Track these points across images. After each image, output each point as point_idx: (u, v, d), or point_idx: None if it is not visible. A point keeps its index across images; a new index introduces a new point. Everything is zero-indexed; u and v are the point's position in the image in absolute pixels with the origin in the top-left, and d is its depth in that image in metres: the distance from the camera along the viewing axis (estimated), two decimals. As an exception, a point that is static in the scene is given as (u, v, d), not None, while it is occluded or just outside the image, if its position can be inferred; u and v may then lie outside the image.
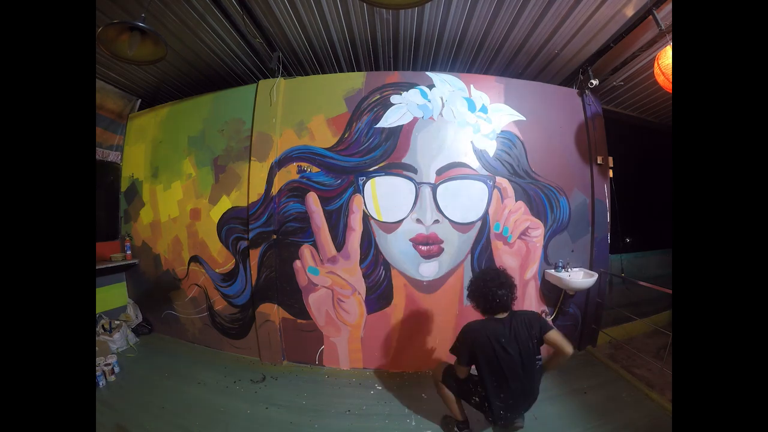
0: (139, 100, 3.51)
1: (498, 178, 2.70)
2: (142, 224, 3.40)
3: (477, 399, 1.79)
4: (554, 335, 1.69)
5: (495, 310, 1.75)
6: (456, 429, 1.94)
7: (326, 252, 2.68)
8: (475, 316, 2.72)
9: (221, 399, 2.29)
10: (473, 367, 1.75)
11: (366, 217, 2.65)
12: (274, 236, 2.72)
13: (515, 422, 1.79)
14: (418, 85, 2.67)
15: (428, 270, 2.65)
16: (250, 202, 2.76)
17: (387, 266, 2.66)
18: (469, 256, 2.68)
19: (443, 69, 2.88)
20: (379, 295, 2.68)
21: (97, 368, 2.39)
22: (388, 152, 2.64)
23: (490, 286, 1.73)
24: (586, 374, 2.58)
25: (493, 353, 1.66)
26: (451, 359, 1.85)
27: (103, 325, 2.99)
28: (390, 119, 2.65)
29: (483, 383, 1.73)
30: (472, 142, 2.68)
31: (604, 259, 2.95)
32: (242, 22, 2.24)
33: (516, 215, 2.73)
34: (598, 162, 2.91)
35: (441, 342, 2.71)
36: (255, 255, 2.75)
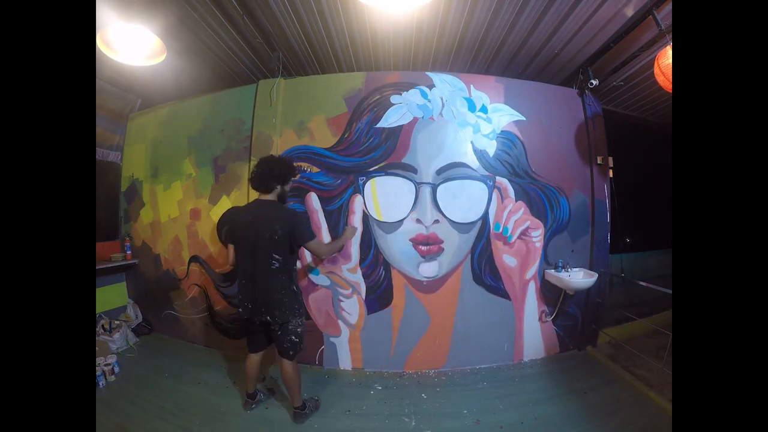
0: (139, 100, 3.51)
1: (498, 178, 2.70)
2: (142, 224, 3.40)
3: (240, 295, 1.95)
4: (312, 246, 1.93)
5: (254, 187, 1.98)
6: (298, 419, 2.06)
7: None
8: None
9: (221, 399, 2.28)
10: None
11: (366, 217, 2.65)
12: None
13: (255, 316, 1.91)
14: (418, 85, 2.67)
15: (428, 270, 2.65)
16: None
17: (387, 266, 2.66)
18: (469, 256, 2.68)
19: (443, 69, 2.88)
20: (379, 295, 2.68)
21: (97, 368, 2.39)
22: (388, 152, 2.64)
23: (259, 163, 1.96)
24: (586, 374, 2.58)
25: (234, 228, 1.96)
26: None
27: (103, 325, 2.99)
28: (390, 119, 2.65)
29: (236, 259, 1.99)
30: (472, 142, 2.68)
31: (604, 259, 2.95)
32: (242, 22, 2.24)
33: (516, 215, 2.73)
34: (598, 162, 2.91)
35: (441, 342, 2.71)
36: (255, 255, 2.74)
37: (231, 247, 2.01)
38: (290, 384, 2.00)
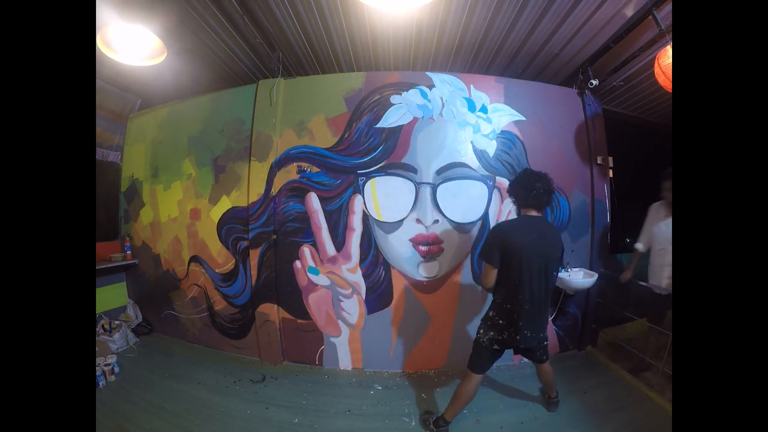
0: (139, 100, 3.51)
1: (498, 178, 2.70)
2: (142, 224, 3.40)
3: (501, 321, 1.79)
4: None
5: (530, 204, 1.79)
6: (434, 426, 1.95)
7: (326, 252, 2.68)
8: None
9: (221, 399, 2.29)
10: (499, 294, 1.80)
11: (366, 217, 2.65)
12: (274, 236, 2.72)
13: (533, 346, 1.79)
14: (418, 85, 2.67)
15: (428, 270, 2.65)
16: (250, 202, 2.76)
17: (387, 266, 2.66)
18: (469, 256, 2.68)
19: (443, 69, 2.88)
20: (379, 295, 2.68)
21: (97, 368, 2.39)
22: (388, 152, 2.64)
23: (530, 178, 1.79)
24: (586, 374, 2.58)
25: (520, 250, 1.68)
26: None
27: (103, 325, 2.99)
28: (390, 119, 2.65)
29: (506, 288, 1.75)
30: (472, 142, 2.68)
31: (604, 259, 2.95)
32: (242, 22, 2.24)
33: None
34: (598, 162, 2.91)
35: (441, 342, 2.71)
36: (255, 255, 2.75)
37: (494, 270, 1.74)
38: (552, 379, 2.10)
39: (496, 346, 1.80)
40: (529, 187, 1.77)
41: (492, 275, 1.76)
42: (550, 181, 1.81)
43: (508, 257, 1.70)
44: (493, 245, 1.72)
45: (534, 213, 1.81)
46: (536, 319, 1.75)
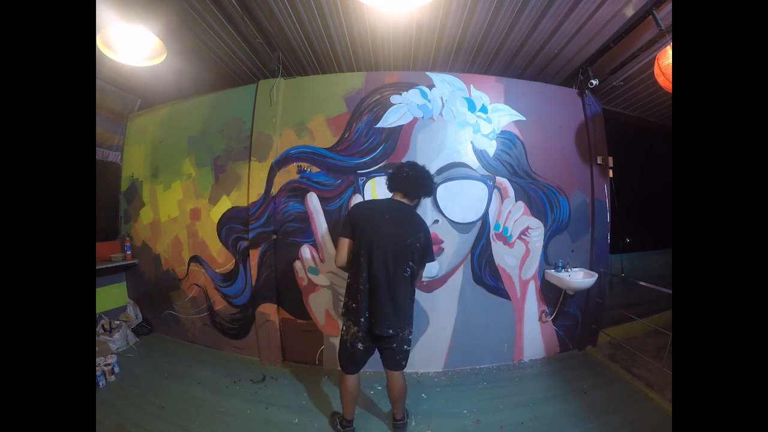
0: (139, 100, 3.51)
1: (498, 178, 2.70)
2: (142, 224, 3.40)
3: (354, 304, 1.70)
4: (427, 266, 1.83)
5: (396, 188, 1.79)
6: (339, 426, 1.94)
7: (326, 252, 2.68)
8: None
9: (221, 399, 2.29)
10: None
11: (366, 217, 2.64)
12: (274, 236, 2.72)
13: (375, 329, 1.65)
14: (418, 85, 2.67)
15: (428, 270, 2.64)
16: (250, 202, 2.76)
17: (387, 266, 2.65)
18: (469, 256, 2.68)
19: (443, 69, 2.88)
20: (379, 295, 2.68)
21: (97, 368, 2.39)
22: (388, 152, 2.64)
23: (404, 165, 1.81)
24: (586, 374, 2.58)
25: (372, 224, 1.65)
26: None
27: (103, 325, 2.99)
28: (390, 119, 2.65)
29: (354, 267, 1.69)
30: (472, 142, 2.68)
31: (604, 259, 2.95)
32: (242, 22, 2.24)
33: (516, 215, 2.73)
34: (598, 162, 2.91)
35: (440, 342, 2.71)
36: (255, 255, 2.75)
37: (347, 242, 1.70)
38: (403, 396, 1.86)
39: (360, 345, 1.72)
40: (397, 170, 1.79)
41: (343, 249, 1.71)
42: (423, 173, 1.78)
43: (359, 235, 1.66)
44: (347, 220, 1.72)
45: (399, 198, 1.77)
46: (381, 304, 1.64)
